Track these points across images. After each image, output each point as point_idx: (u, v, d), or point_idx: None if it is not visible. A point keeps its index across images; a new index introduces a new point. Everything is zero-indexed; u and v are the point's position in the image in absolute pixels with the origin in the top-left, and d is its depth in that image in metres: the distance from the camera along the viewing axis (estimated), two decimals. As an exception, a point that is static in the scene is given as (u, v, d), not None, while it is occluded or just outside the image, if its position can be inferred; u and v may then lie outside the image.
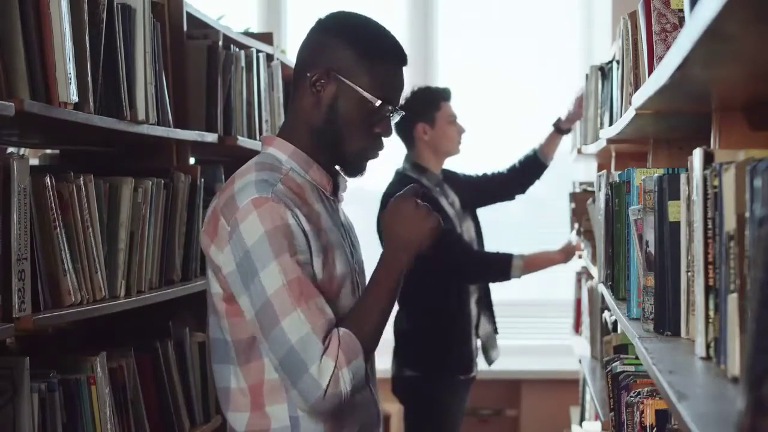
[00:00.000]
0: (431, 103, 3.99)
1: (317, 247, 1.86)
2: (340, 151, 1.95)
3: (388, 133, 1.97)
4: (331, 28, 1.95)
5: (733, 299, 1.24)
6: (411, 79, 2.08)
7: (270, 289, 1.79)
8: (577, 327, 4.86)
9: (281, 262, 1.79)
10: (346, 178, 2.04)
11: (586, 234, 3.99)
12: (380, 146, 1.98)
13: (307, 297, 1.80)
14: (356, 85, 1.91)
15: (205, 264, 1.92)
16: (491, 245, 4.20)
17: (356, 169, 1.99)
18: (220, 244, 1.84)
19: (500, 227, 5.84)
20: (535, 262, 3.94)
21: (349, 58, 1.91)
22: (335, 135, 1.93)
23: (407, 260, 1.91)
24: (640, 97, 1.89)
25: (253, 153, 3.45)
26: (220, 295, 1.88)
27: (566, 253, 4.03)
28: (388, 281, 1.90)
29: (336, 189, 2.01)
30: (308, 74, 1.92)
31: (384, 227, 1.94)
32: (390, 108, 1.94)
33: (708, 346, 1.40)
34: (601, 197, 2.55)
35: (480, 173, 4.23)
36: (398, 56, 1.96)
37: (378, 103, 1.92)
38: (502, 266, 3.85)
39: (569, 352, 4.87)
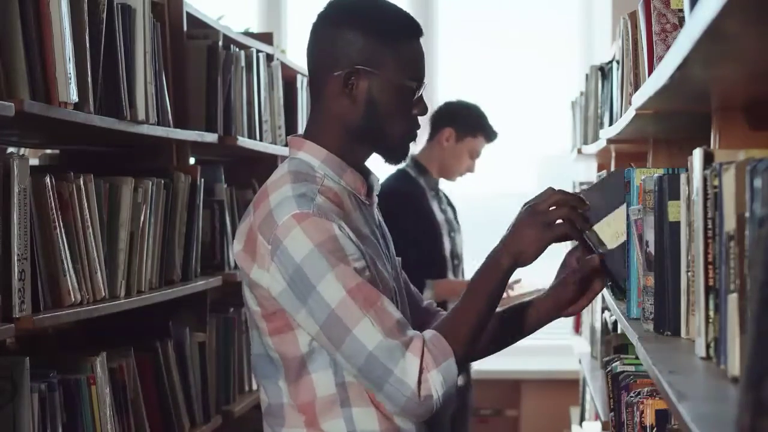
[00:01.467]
0: (475, 127, 4.02)
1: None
2: (383, 143, 1.87)
3: (425, 111, 1.88)
4: (340, 20, 1.85)
5: (733, 299, 1.24)
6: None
7: (333, 301, 1.71)
8: (577, 327, 4.87)
9: (338, 273, 1.71)
10: (378, 177, 1.97)
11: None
12: (419, 125, 1.91)
13: (372, 302, 1.72)
14: (388, 74, 1.83)
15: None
16: (491, 245, 4.20)
17: (401, 155, 1.91)
18: (262, 264, 1.76)
19: (501, 227, 5.84)
20: (446, 289, 3.88)
21: (371, 48, 1.83)
22: (377, 129, 1.85)
23: (508, 265, 1.83)
24: (640, 97, 1.89)
25: (253, 153, 3.49)
26: (259, 313, 1.81)
27: None
28: (490, 284, 1.83)
29: (369, 191, 1.92)
30: (335, 74, 1.83)
31: (506, 234, 1.86)
32: (422, 84, 1.87)
33: (708, 346, 1.40)
34: (601, 197, 2.55)
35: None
36: (414, 29, 1.87)
37: (414, 85, 1.85)
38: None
39: (569, 352, 4.87)
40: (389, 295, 1.83)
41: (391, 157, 1.92)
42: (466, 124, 3.97)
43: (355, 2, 1.90)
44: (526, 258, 1.83)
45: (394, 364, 1.71)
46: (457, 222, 4.08)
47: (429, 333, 1.76)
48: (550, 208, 1.83)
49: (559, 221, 1.83)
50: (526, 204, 1.86)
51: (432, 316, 2.03)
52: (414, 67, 1.86)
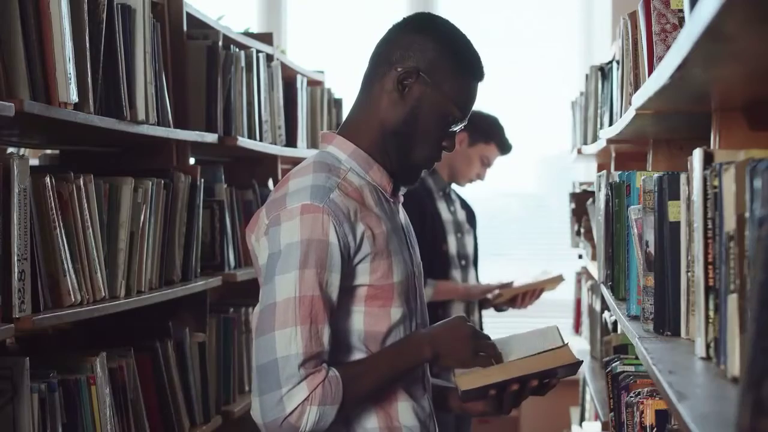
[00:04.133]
0: (488, 134, 4.07)
1: (371, 250, 1.81)
2: (406, 156, 1.90)
3: (451, 148, 1.93)
4: (424, 28, 1.89)
5: (733, 299, 1.24)
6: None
7: (280, 296, 1.75)
8: (577, 327, 4.87)
9: (302, 275, 1.74)
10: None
11: (586, 234, 3.99)
12: (439, 159, 1.95)
13: (312, 319, 1.74)
14: (445, 93, 1.87)
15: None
16: (491, 245, 4.21)
17: (412, 178, 1.95)
18: (257, 234, 1.83)
19: (501, 227, 5.85)
20: (445, 291, 3.91)
21: (442, 64, 1.87)
22: (408, 139, 1.88)
23: (427, 358, 1.86)
24: (640, 98, 1.89)
25: (253, 153, 3.49)
26: None
27: (468, 291, 3.98)
28: (403, 362, 1.84)
29: (395, 189, 1.95)
30: (396, 69, 1.86)
31: (438, 329, 1.88)
32: (461, 123, 1.92)
33: (708, 346, 1.40)
34: (601, 197, 2.55)
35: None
36: (481, 72, 1.93)
37: (457, 116, 1.89)
38: None
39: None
40: (401, 290, 1.86)
41: (404, 177, 1.94)
42: (480, 130, 4.02)
43: (446, 22, 1.94)
44: (443, 363, 1.88)
45: (286, 384, 1.72)
46: (471, 224, 4.10)
47: (333, 373, 1.76)
48: (486, 345, 1.89)
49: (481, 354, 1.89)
50: (464, 319, 1.92)
51: None
52: (465, 103, 1.92)
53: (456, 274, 3.96)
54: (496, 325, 4.42)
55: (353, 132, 1.91)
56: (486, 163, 4.09)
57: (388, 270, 1.84)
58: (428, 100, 1.87)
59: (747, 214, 1.17)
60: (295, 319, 1.74)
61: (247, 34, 3.80)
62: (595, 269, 3.29)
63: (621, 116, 2.52)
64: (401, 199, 1.98)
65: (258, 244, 1.82)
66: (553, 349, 1.89)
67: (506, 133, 4.12)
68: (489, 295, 4.02)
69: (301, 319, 1.74)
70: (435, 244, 3.91)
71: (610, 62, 3.22)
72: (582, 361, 1.90)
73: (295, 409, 1.72)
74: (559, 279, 4.14)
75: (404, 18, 1.95)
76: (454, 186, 4.13)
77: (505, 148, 4.11)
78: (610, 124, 2.98)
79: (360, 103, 1.93)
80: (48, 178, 2.12)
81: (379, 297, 1.83)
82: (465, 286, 3.97)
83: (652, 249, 1.77)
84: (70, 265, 2.17)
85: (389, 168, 1.92)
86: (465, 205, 4.14)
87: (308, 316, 1.74)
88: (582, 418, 4.50)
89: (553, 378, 1.89)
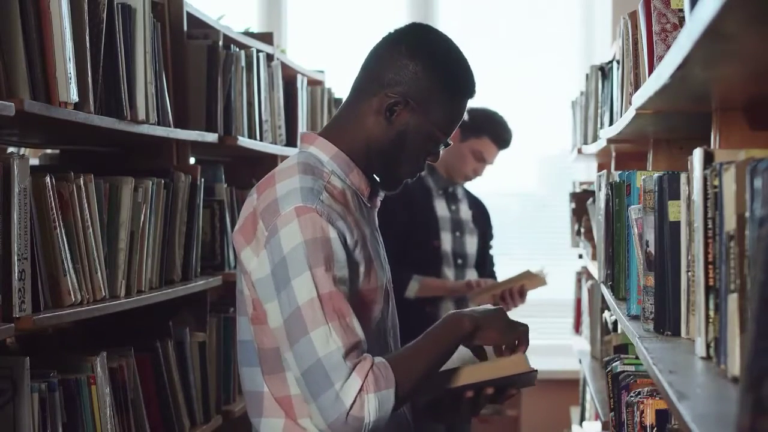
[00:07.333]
0: (479, 129, 3.96)
1: (360, 256, 1.82)
2: (390, 170, 1.93)
3: (436, 160, 1.96)
4: (416, 52, 1.88)
5: (733, 299, 1.24)
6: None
7: (302, 298, 1.74)
8: (577, 327, 4.87)
9: (315, 274, 1.74)
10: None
11: (587, 234, 3.99)
12: (423, 169, 1.97)
13: (339, 314, 1.74)
14: (431, 121, 1.88)
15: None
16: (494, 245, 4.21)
17: (395, 186, 1.97)
18: (255, 248, 1.80)
19: (501, 227, 5.84)
20: (431, 287, 3.84)
21: (432, 92, 1.88)
22: (393, 157, 1.90)
23: (468, 331, 1.86)
24: (640, 97, 1.89)
25: (253, 153, 3.49)
26: (250, 298, 1.84)
27: (460, 287, 3.88)
28: (446, 338, 1.85)
29: (372, 194, 1.96)
30: (385, 93, 1.87)
31: (476, 313, 1.89)
32: (447, 140, 1.94)
33: (708, 346, 1.40)
34: (601, 197, 2.56)
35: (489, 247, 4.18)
36: (471, 90, 1.94)
37: (443, 138, 1.91)
38: (400, 285, 3.74)
39: (569, 352, 4.87)
40: (381, 294, 1.87)
41: (386, 185, 1.97)
42: (470, 125, 3.92)
43: (437, 41, 1.93)
44: (481, 338, 1.88)
45: (337, 379, 1.72)
46: (477, 225, 4.03)
47: (379, 359, 1.77)
48: (521, 328, 1.91)
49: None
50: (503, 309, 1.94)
51: None
52: (452, 124, 1.93)
53: (449, 272, 3.91)
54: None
55: (336, 136, 1.91)
56: (480, 158, 3.97)
57: (374, 273, 1.86)
58: (415, 126, 1.88)
59: (747, 214, 1.17)
60: (324, 316, 1.73)
61: (247, 33, 3.80)
62: (595, 269, 3.29)
63: (621, 116, 2.52)
64: (377, 204, 1.99)
65: (257, 258, 1.79)
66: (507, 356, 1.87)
67: (502, 126, 4.00)
68: (468, 295, 3.93)
69: (329, 315, 1.74)
70: (425, 239, 3.87)
71: (611, 62, 3.22)
72: (536, 370, 1.88)
73: (354, 401, 1.71)
74: (540, 278, 3.94)
75: (398, 32, 1.93)
76: (466, 186, 4.08)
77: (500, 141, 3.99)
78: (611, 123, 2.98)
79: (347, 111, 1.93)
80: (48, 178, 2.12)
81: (365, 300, 1.84)
82: (452, 283, 3.88)
83: (652, 249, 1.77)
84: (70, 265, 2.17)
85: (369, 173, 1.93)
86: (475, 206, 4.07)
87: (333, 311, 1.74)
88: (582, 418, 4.50)
89: (511, 388, 1.89)
